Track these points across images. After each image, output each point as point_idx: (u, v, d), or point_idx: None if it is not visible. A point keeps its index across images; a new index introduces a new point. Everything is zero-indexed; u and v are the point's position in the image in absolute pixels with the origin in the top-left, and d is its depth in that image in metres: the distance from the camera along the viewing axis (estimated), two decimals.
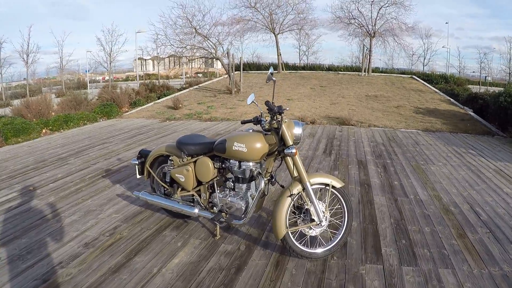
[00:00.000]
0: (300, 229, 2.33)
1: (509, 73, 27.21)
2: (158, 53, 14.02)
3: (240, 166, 2.35)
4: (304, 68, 21.03)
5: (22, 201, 3.43)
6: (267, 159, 2.38)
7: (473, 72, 33.09)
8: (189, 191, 2.63)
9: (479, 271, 2.27)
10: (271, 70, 2.31)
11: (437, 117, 8.70)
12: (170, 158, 2.69)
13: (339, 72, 18.81)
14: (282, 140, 2.24)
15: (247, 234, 2.70)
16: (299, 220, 2.36)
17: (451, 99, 11.27)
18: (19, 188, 3.77)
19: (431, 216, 3.10)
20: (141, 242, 2.58)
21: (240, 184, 2.41)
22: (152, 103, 10.83)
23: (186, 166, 2.54)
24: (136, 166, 3.00)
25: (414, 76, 17.00)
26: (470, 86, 16.35)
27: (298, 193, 2.27)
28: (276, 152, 2.32)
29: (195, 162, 2.56)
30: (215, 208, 2.53)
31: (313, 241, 2.40)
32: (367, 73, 16.98)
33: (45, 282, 2.12)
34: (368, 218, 3.02)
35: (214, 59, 14.46)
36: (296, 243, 2.28)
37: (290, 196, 2.24)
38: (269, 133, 2.29)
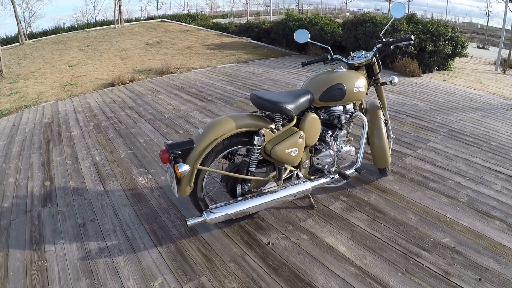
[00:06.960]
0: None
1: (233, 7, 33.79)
2: None
3: (345, 111, 2.04)
4: (45, 34, 16.81)
5: None
6: None
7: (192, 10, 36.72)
8: (294, 166, 1.93)
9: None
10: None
11: (234, 49, 9.47)
12: (259, 132, 1.73)
13: (87, 30, 15.90)
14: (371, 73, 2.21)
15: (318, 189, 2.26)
16: None
17: (224, 33, 12.49)
18: None
19: None
20: (281, 263, 1.71)
21: (342, 131, 2.12)
22: None
23: (299, 133, 1.82)
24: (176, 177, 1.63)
25: (164, 19, 17.16)
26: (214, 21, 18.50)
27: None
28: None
29: (296, 124, 1.89)
30: (328, 171, 2.08)
31: None
32: (120, 25, 15.55)
33: None
34: None
35: None
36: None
37: (384, 123, 2.29)
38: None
